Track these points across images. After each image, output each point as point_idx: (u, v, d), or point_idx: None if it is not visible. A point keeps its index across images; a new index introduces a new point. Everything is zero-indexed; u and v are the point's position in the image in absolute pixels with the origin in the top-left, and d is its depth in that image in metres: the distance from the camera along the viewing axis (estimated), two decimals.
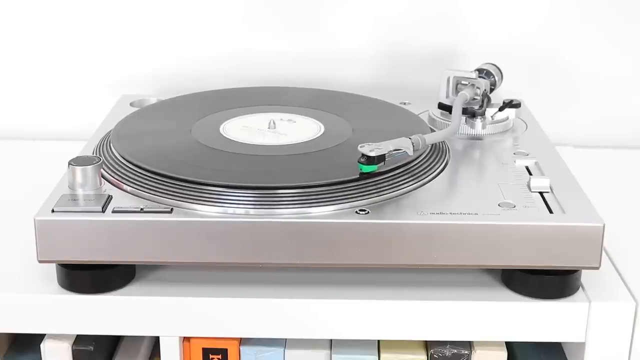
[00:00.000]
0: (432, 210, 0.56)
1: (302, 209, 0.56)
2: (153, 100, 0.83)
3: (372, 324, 0.57)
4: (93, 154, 0.65)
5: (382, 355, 0.59)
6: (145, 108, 0.78)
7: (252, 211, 0.55)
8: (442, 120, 0.75)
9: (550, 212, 0.57)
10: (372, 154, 0.59)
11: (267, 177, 0.59)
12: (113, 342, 0.64)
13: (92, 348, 0.60)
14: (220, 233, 0.55)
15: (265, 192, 0.57)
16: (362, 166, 0.59)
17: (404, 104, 0.81)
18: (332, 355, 0.59)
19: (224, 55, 0.92)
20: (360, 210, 0.56)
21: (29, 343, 0.63)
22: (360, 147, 0.59)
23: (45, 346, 0.60)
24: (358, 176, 0.59)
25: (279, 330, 0.58)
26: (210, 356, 0.60)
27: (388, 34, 0.92)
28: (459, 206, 0.57)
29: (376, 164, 0.59)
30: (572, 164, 0.69)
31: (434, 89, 0.79)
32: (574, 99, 0.94)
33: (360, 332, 0.58)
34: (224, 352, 0.60)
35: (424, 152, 0.64)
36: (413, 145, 0.61)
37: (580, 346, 0.58)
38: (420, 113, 0.78)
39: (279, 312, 0.57)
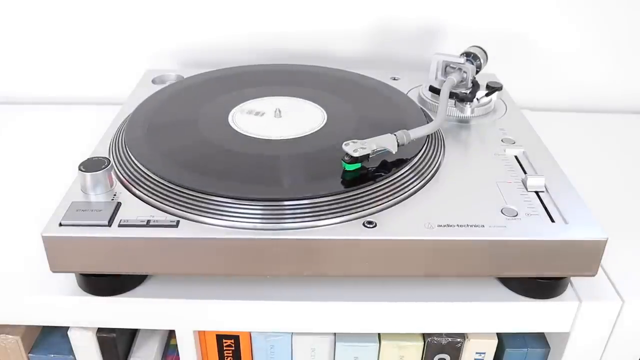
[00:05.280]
0: (439, 220, 0.38)
1: (310, 222, 0.37)
2: (173, 76, 0.62)
3: (373, 324, 0.41)
4: (110, 146, 0.46)
5: (383, 343, 0.43)
6: (158, 94, 0.55)
7: (259, 224, 0.37)
8: (432, 102, 0.55)
9: (552, 219, 0.39)
10: (356, 154, 0.41)
11: (274, 190, 0.40)
12: (133, 328, 0.47)
13: (114, 335, 0.43)
14: (227, 249, 0.37)
15: (273, 205, 0.38)
16: (345, 165, 0.41)
17: (394, 79, 0.61)
18: (336, 343, 0.43)
19: (233, 33, 0.69)
20: (368, 223, 0.38)
21: (58, 329, 0.46)
22: (345, 145, 0.41)
23: (72, 334, 0.43)
24: (363, 185, 0.40)
25: (285, 328, 0.42)
26: (224, 341, 0.44)
27: (378, 9, 0.70)
28: (465, 215, 0.39)
29: (360, 162, 0.41)
30: (533, 125, 0.52)
31: (421, 60, 0.60)
32: (531, 70, 0.73)
33: (362, 329, 0.41)
34: (236, 338, 0.44)
35: (424, 148, 0.45)
36: (397, 142, 0.43)
37: (563, 335, 0.42)
38: (411, 89, 0.59)
39: (285, 312, 0.41)
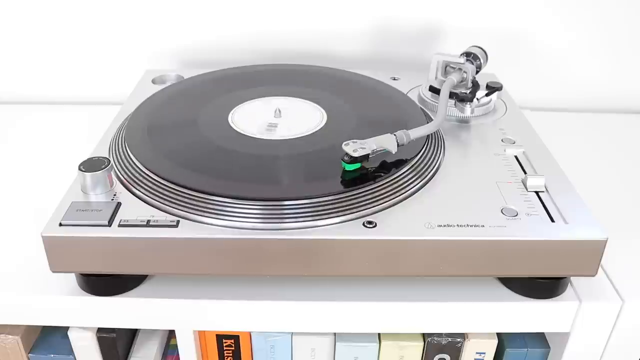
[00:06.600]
0: (439, 220, 0.38)
1: (310, 222, 0.37)
2: (173, 76, 0.62)
3: (373, 324, 0.41)
4: (110, 146, 0.46)
5: (383, 343, 0.43)
6: (158, 94, 0.55)
7: (259, 224, 0.37)
8: (432, 102, 0.55)
9: (552, 219, 0.39)
10: (356, 154, 0.41)
11: (274, 190, 0.40)
12: (133, 328, 0.47)
13: (114, 335, 0.44)
14: (227, 249, 0.37)
15: (273, 205, 0.38)
16: (345, 165, 0.41)
17: (394, 79, 0.61)
18: (336, 343, 0.43)
19: (233, 33, 0.69)
20: (368, 222, 0.38)
21: (58, 329, 0.46)
22: (345, 145, 0.41)
23: (72, 334, 0.43)
24: (363, 185, 0.40)
25: (285, 328, 0.42)
26: (224, 341, 0.44)
27: (378, 9, 0.70)
28: (465, 215, 0.39)
29: (360, 162, 0.41)
30: (533, 125, 0.52)
31: (421, 60, 0.59)
32: (531, 70, 0.73)
33: (362, 328, 0.41)
34: (236, 338, 0.44)
35: (424, 148, 0.45)
36: (397, 142, 0.43)
37: (563, 335, 0.42)
38: (411, 89, 0.59)
39: (285, 312, 0.40)
